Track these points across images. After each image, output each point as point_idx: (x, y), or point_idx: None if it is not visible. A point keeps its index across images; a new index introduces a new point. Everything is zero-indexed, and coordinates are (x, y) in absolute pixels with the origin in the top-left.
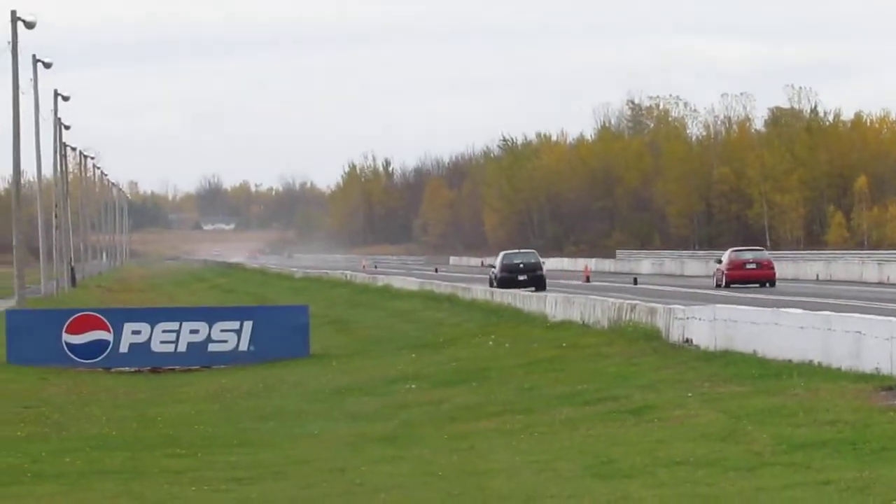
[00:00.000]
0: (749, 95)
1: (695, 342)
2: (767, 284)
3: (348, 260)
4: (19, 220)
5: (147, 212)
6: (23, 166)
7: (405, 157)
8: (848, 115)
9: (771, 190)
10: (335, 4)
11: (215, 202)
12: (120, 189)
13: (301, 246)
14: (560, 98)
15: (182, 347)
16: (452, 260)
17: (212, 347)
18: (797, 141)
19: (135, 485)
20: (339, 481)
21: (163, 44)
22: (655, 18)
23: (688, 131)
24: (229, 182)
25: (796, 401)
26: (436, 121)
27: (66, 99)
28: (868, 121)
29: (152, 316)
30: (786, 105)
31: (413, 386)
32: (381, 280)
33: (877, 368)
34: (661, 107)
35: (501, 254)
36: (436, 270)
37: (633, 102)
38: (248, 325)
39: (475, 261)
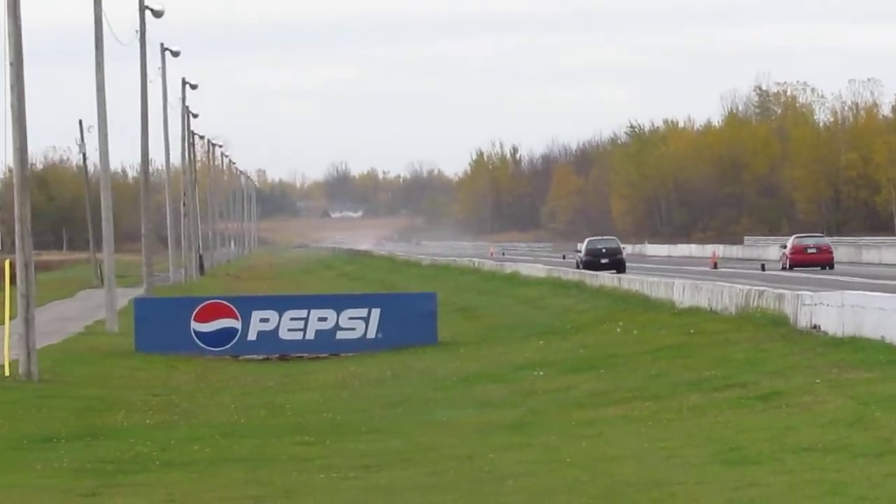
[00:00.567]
0: (877, 81)
1: (822, 328)
2: (826, 267)
3: (476, 247)
4: (148, 208)
5: (275, 200)
6: (151, 155)
7: (532, 143)
8: None
9: None
10: None
11: (343, 190)
12: (248, 177)
13: (429, 233)
14: (687, 84)
15: (310, 335)
16: (580, 247)
17: (340, 335)
18: None
19: (263, 472)
20: (467, 468)
21: (291, 31)
22: (783, 4)
23: (815, 117)
24: (357, 169)
25: None
26: (563, 107)
27: (193, 87)
28: None
29: (280, 304)
30: None
31: (541, 373)
32: (509, 267)
33: None
34: (788, 93)
35: (587, 240)
36: (563, 257)
37: (760, 88)
38: (376, 312)
39: None
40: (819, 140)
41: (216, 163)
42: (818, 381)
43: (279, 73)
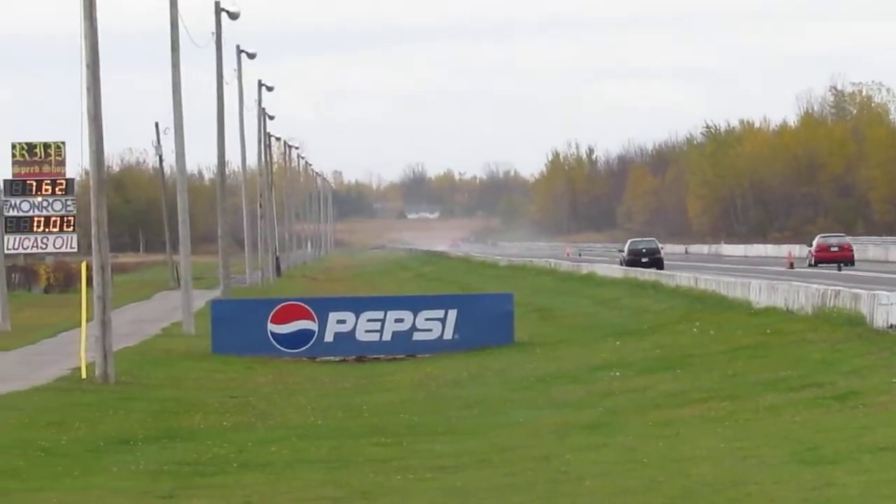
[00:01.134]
0: None
1: None
2: (848, 263)
3: (552, 248)
4: (225, 210)
5: (351, 201)
6: (227, 157)
7: (608, 144)
8: None
9: None
10: None
11: (419, 191)
12: (324, 178)
13: (505, 234)
14: (762, 85)
15: (387, 336)
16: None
17: (416, 336)
18: None
19: (340, 474)
20: (544, 469)
21: (367, 33)
22: (859, 4)
23: (890, 117)
24: (433, 171)
25: None
26: (639, 108)
27: (269, 89)
28: None
29: (357, 305)
30: None
31: (617, 373)
32: (586, 268)
33: None
34: (863, 93)
35: (629, 241)
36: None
37: (835, 88)
38: (452, 313)
39: (679, 248)
40: (894, 140)
41: (292, 164)
42: (895, 380)
43: (355, 74)
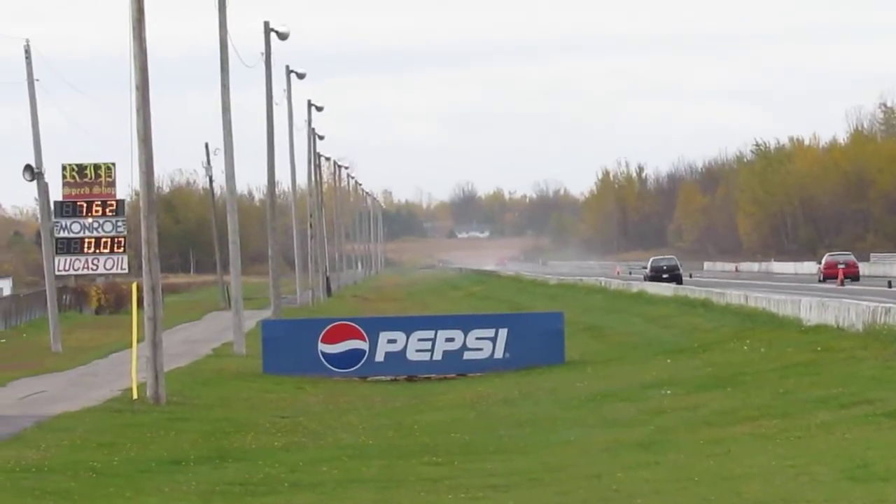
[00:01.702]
0: None
1: None
2: (853, 279)
3: (602, 266)
4: (275, 230)
5: (402, 220)
6: (277, 177)
7: (658, 162)
8: None
9: None
10: (594, 14)
11: (469, 210)
12: (374, 198)
13: (555, 252)
14: (812, 102)
15: (437, 356)
16: (706, 265)
17: (467, 355)
18: None
19: (391, 493)
20: (596, 488)
21: (416, 53)
22: None
23: None
24: (483, 190)
25: None
26: (688, 126)
27: (319, 109)
28: None
29: (407, 324)
30: None
31: (668, 391)
32: (636, 286)
33: None
34: None
35: (651, 259)
36: (689, 276)
37: (885, 105)
38: (503, 332)
39: (729, 266)
40: None
41: (342, 184)
42: None
43: (405, 94)
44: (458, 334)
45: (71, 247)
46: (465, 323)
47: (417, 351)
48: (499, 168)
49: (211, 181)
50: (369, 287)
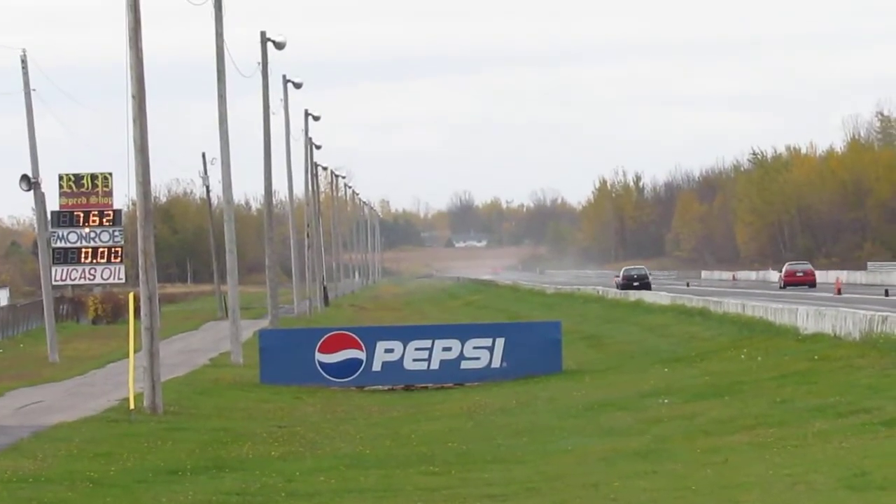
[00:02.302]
0: None
1: None
2: (810, 286)
3: (600, 275)
4: (272, 240)
5: (399, 230)
6: (274, 187)
7: (655, 171)
8: None
9: None
10: (591, 22)
11: (467, 219)
12: (371, 207)
13: (553, 262)
14: (809, 111)
15: (435, 365)
16: (704, 274)
17: (464, 364)
18: None
19: (389, 503)
20: (593, 497)
21: (412, 62)
22: None
23: None
24: (480, 199)
25: None
26: (685, 135)
27: (316, 118)
28: None
29: (405, 334)
30: None
31: (666, 400)
32: (633, 295)
33: None
34: None
35: (623, 269)
36: (687, 285)
37: (882, 114)
38: (500, 341)
39: (727, 275)
40: None
41: (339, 194)
42: None
43: (402, 103)
44: (455, 343)
45: (68, 257)
46: (463, 332)
47: (414, 360)
48: (496, 177)
49: (208, 191)
50: (367, 296)
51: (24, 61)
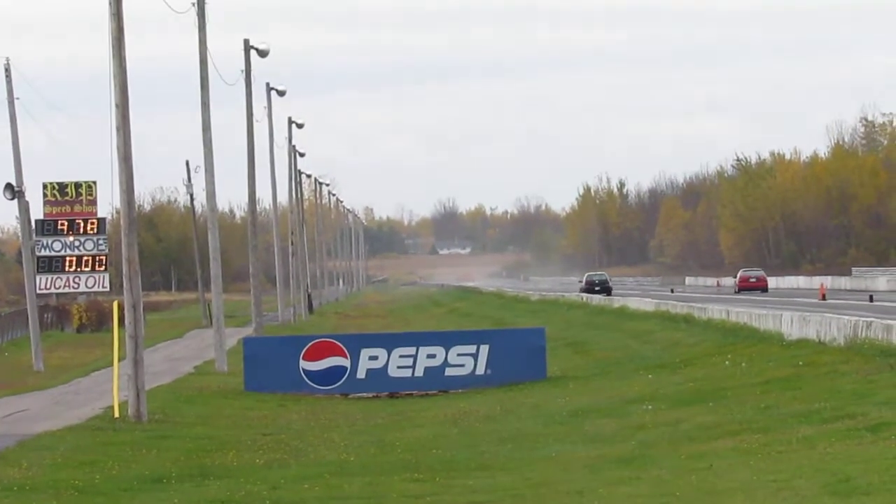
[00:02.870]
0: None
1: None
2: (762, 291)
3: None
4: (256, 248)
5: (383, 237)
6: (258, 194)
7: (639, 177)
8: None
9: None
10: (574, 29)
11: (451, 226)
12: (356, 215)
13: (537, 268)
14: (792, 117)
15: (419, 372)
16: (688, 280)
17: (449, 371)
18: None
19: None
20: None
21: (397, 70)
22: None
23: None
24: (464, 206)
25: None
26: (669, 141)
27: (300, 126)
28: None
29: (389, 341)
30: None
31: (650, 407)
32: (618, 301)
33: None
34: (894, 123)
35: (586, 274)
36: (671, 291)
37: (866, 119)
38: (484, 348)
39: (710, 281)
40: None
41: (323, 201)
42: None
43: (385, 111)
44: (439, 351)
45: (52, 265)
46: (447, 339)
47: (399, 367)
48: (480, 184)
49: (192, 199)
50: (351, 304)
51: (7, 70)
